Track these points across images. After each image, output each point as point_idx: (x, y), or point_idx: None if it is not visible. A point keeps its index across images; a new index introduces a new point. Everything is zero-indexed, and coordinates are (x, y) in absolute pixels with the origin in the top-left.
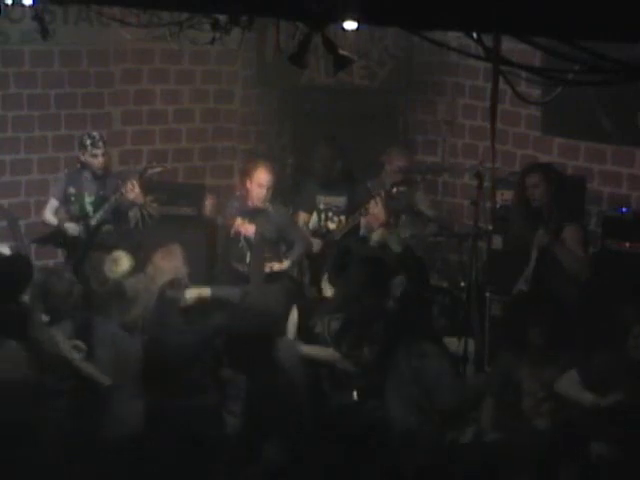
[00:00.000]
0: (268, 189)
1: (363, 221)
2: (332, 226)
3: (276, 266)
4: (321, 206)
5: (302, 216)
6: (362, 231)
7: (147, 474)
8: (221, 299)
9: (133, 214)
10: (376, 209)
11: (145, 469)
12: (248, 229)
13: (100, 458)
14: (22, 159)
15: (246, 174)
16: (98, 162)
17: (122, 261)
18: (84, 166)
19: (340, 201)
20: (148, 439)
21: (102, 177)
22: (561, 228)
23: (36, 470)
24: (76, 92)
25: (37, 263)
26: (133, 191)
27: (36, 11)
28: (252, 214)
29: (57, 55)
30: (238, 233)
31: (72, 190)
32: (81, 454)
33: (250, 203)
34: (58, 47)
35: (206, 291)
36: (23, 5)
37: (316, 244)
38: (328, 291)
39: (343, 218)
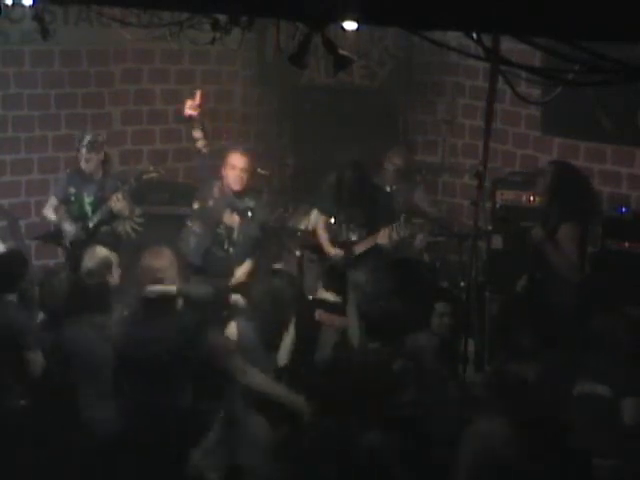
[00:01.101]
0: (243, 171)
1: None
2: (354, 237)
3: (242, 269)
4: (342, 217)
5: (322, 219)
6: None
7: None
8: (190, 296)
9: (122, 227)
10: (385, 239)
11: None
12: (233, 219)
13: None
14: (22, 159)
15: (221, 163)
16: (83, 162)
17: (96, 255)
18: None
19: (361, 213)
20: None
21: (100, 179)
22: (558, 226)
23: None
24: (76, 92)
25: (37, 263)
26: (118, 204)
27: (36, 11)
28: (236, 205)
29: (57, 55)
30: (220, 220)
31: (72, 190)
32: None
33: (227, 189)
34: (58, 47)
35: (171, 288)
36: (23, 5)
37: (337, 253)
38: (327, 295)
39: (364, 231)
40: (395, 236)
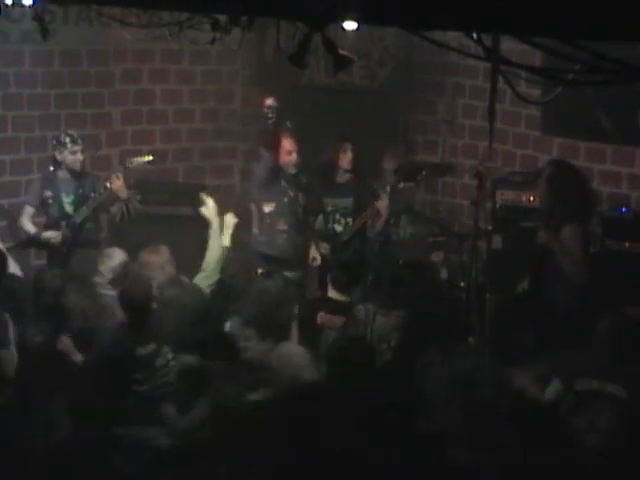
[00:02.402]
0: (295, 153)
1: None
2: (339, 228)
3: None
4: (328, 208)
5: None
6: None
7: None
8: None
9: (117, 208)
10: (382, 204)
11: None
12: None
13: None
14: (22, 159)
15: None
16: (78, 159)
17: (114, 255)
18: (59, 166)
19: (346, 202)
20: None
21: (78, 176)
22: (561, 227)
23: None
24: (76, 92)
25: (36, 263)
26: (116, 183)
27: (36, 11)
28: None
29: (57, 55)
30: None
31: (48, 193)
32: None
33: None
34: (58, 47)
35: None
36: (23, 5)
37: (323, 247)
38: (334, 294)
39: (350, 220)
40: (383, 210)
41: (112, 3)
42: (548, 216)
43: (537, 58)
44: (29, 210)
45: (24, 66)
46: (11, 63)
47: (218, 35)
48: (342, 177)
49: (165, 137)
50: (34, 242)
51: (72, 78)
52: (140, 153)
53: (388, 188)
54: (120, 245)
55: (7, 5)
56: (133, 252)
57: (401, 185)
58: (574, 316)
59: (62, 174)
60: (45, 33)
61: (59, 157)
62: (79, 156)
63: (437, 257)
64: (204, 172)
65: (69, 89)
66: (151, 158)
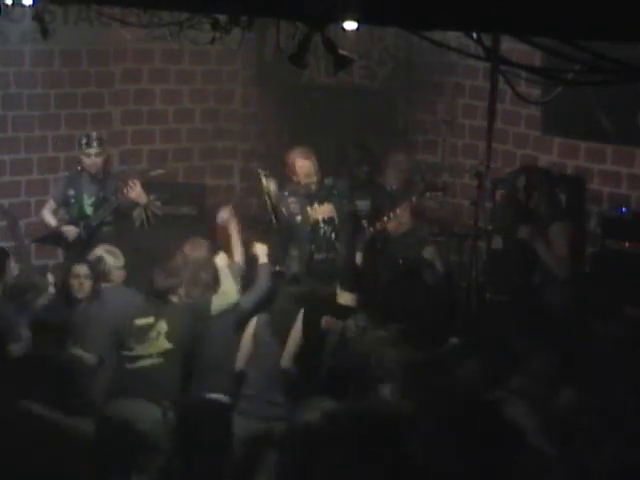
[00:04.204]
0: (315, 174)
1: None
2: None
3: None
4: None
5: None
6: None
7: None
8: None
9: (137, 214)
10: (404, 217)
11: None
12: (323, 210)
13: None
14: (22, 159)
15: (288, 168)
16: (91, 162)
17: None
18: (83, 168)
19: (364, 205)
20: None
21: (102, 179)
22: (548, 225)
23: None
24: (76, 92)
25: (37, 263)
26: (134, 190)
27: (36, 11)
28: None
29: (57, 55)
30: (316, 221)
31: (71, 192)
32: None
33: (305, 193)
34: (58, 47)
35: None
36: (23, 5)
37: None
38: (343, 297)
39: (365, 222)
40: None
41: (112, 3)
42: (536, 216)
43: (537, 58)
44: (51, 204)
45: (24, 66)
46: (11, 63)
47: (218, 35)
48: (358, 180)
49: (165, 137)
50: (52, 237)
51: (72, 78)
52: (140, 153)
53: (389, 189)
54: (121, 245)
55: (7, 5)
56: (133, 252)
57: (427, 195)
58: (568, 316)
59: (86, 175)
60: (45, 33)
61: (79, 158)
62: (94, 159)
63: (429, 253)
64: (204, 172)
65: (69, 89)
66: (165, 172)
